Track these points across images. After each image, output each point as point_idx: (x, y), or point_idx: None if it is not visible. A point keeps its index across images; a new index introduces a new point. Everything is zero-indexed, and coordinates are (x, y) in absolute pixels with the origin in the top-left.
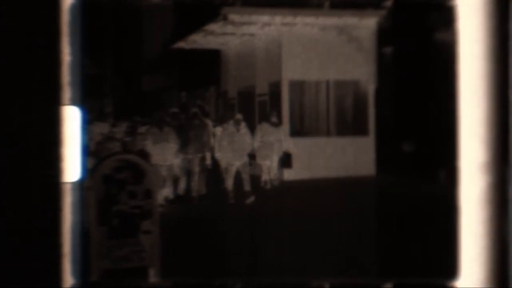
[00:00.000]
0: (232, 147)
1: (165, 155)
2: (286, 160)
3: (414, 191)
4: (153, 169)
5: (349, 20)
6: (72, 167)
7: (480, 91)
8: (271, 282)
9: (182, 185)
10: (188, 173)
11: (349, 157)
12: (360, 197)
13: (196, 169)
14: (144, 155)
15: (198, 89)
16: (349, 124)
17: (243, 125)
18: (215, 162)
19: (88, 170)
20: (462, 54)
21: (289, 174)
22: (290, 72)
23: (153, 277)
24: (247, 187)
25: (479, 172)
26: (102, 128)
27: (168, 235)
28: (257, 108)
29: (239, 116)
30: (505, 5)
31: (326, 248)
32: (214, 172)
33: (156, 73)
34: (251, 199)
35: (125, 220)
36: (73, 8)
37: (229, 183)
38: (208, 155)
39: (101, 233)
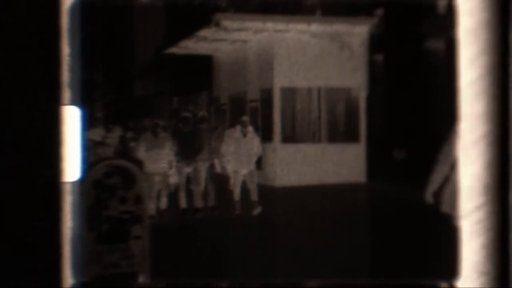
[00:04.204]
0: (239, 154)
1: (160, 162)
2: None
3: (406, 198)
4: (144, 174)
5: (341, 27)
6: (72, 167)
7: (478, 95)
8: (265, 283)
9: (182, 196)
10: (192, 183)
11: (340, 164)
12: (351, 204)
13: (201, 178)
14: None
15: (190, 95)
16: (341, 131)
17: (250, 129)
18: (220, 171)
19: (81, 173)
20: (461, 54)
21: (280, 181)
22: (282, 78)
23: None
24: (253, 197)
25: (477, 172)
26: (94, 133)
27: (159, 241)
28: (249, 114)
29: (245, 118)
30: (505, 5)
31: (317, 256)
32: (219, 182)
33: (148, 78)
34: (257, 210)
35: (115, 225)
36: (73, 8)
37: (236, 193)
38: (216, 162)
39: (90, 238)
